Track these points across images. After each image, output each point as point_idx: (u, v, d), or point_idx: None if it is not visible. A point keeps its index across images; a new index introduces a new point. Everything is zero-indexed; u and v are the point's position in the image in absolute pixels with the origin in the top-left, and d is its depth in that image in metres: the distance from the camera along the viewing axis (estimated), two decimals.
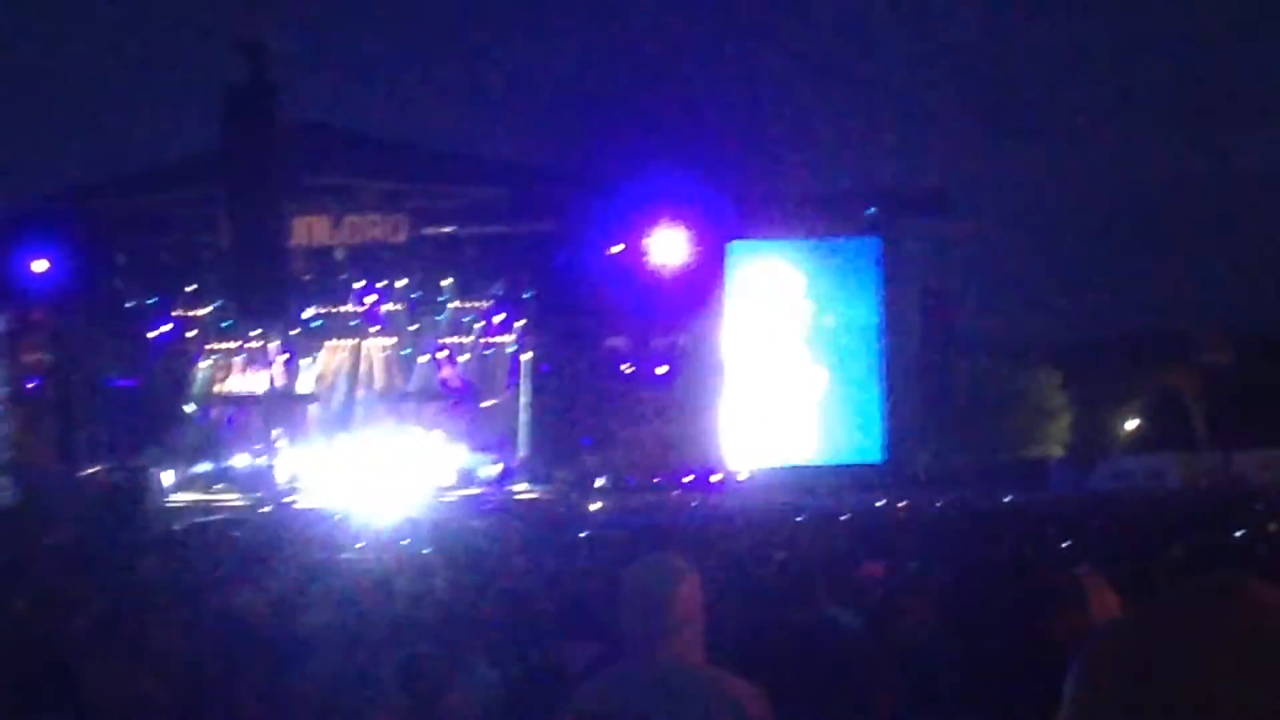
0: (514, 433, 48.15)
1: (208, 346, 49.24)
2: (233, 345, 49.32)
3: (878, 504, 35.57)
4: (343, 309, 48.34)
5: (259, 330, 47.80)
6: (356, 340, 49.20)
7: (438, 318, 48.89)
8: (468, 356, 49.20)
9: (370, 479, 42.75)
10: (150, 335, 48.16)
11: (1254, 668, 2.09)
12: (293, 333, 48.05)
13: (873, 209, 46.75)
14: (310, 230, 44.90)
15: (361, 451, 45.01)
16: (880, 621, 8.83)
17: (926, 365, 48.22)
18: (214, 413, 49.34)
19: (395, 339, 49.27)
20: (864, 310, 46.84)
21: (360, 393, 49.17)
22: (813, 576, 10.54)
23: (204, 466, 45.86)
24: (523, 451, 47.42)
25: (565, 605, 10.14)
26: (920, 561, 13.89)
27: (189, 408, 48.91)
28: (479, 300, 48.24)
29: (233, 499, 42.53)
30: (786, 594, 9.81)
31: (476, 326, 48.82)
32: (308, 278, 45.94)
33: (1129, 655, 2.15)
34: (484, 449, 47.03)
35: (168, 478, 42.96)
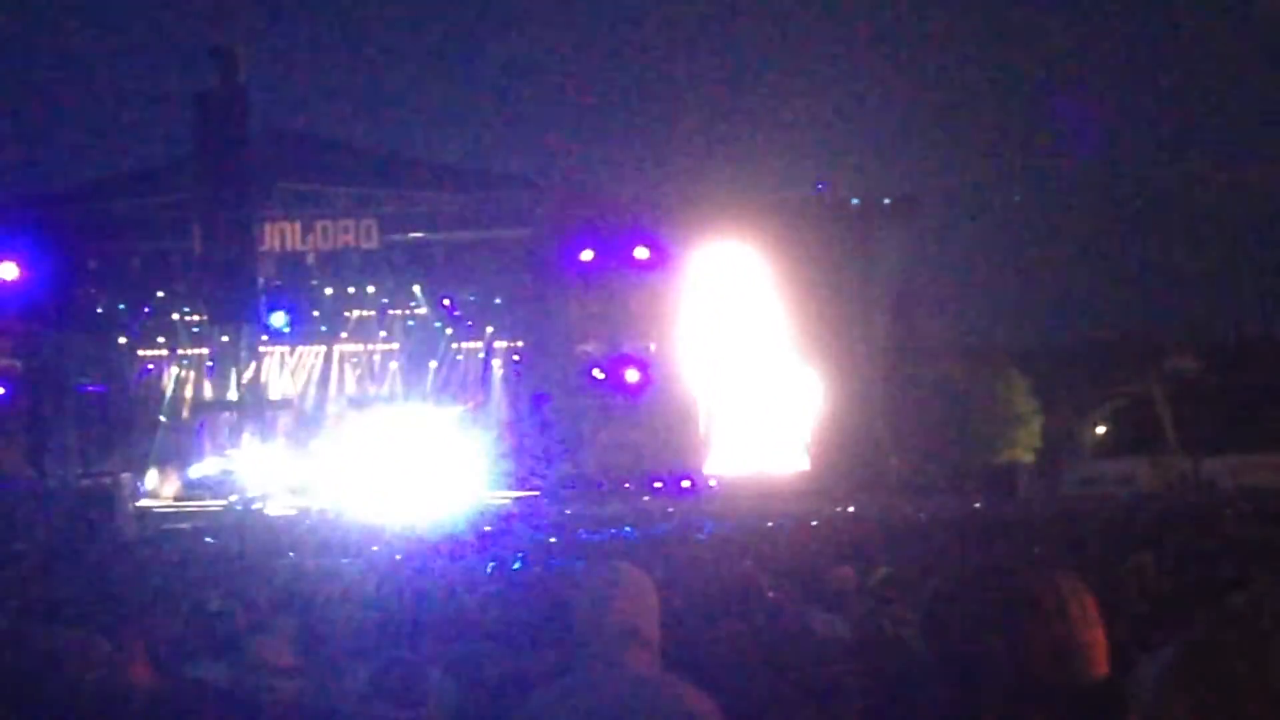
0: (484, 437, 48.12)
1: (179, 352, 49.17)
2: (204, 351, 49.29)
3: (849, 510, 35.62)
4: (314, 314, 48.27)
5: (230, 336, 47.78)
6: (327, 346, 49.16)
7: (408, 323, 48.90)
8: (436, 363, 49.25)
9: (340, 486, 42.72)
10: (121, 341, 48.09)
11: None
12: (264, 338, 48.02)
13: (856, 200, 46.88)
14: (281, 236, 44.87)
15: (332, 458, 44.97)
16: (856, 629, 8.86)
17: (896, 371, 48.29)
18: (185, 418, 49.27)
19: (366, 345, 49.25)
20: (834, 316, 46.85)
21: (331, 398, 49.13)
22: (783, 584, 10.58)
23: (175, 472, 45.77)
24: (493, 456, 47.38)
25: (528, 612, 10.16)
26: (892, 567, 13.93)
27: (160, 414, 48.83)
28: (449, 306, 48.22)
29: (203, 505, 42.45)
30: (754, 602, 9.84)
31: (447, 332, 48.82)
32: (279, 283, 45.89)
33: (1209, 671, 2.18)
34: (454, 454, 46.99)
35: (139, 484, 42.87)
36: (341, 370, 49.64)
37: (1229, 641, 2.22)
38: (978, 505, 37.49)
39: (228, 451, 47.22)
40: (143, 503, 41.88)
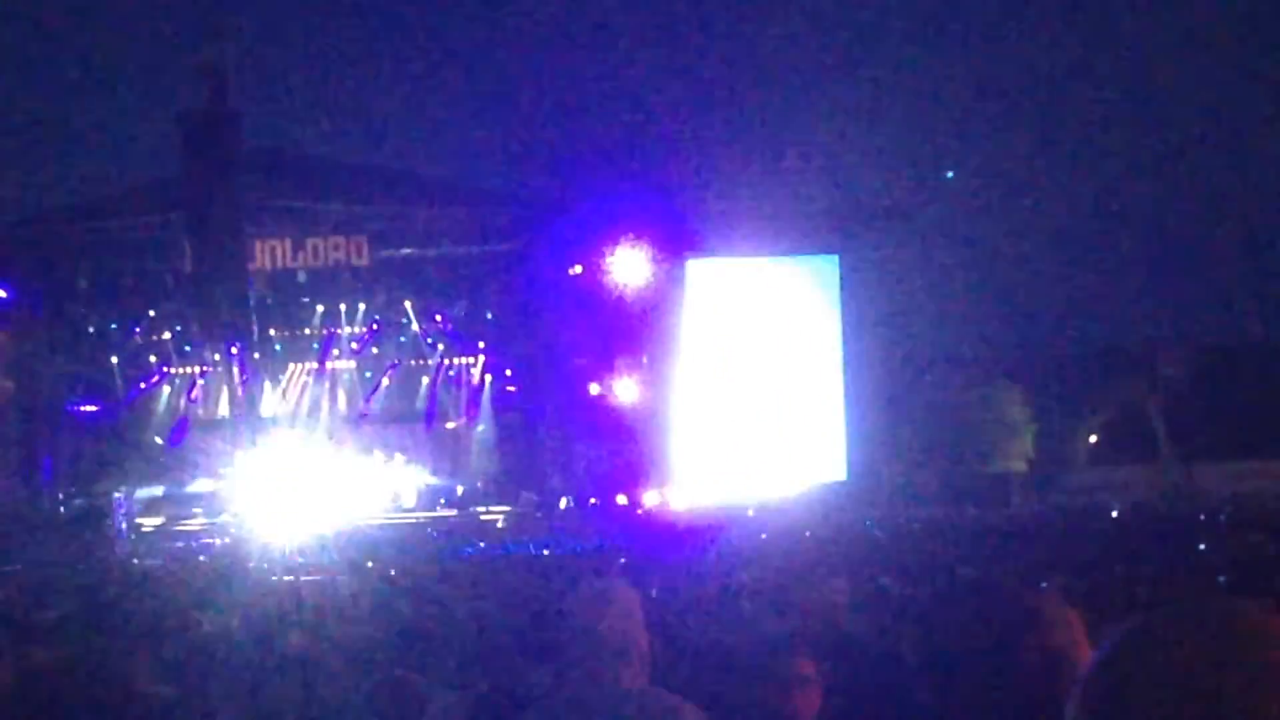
0: (478, 454, 48.12)
1: (170, 371, 49.08)
2: (195, 369, 49.18)
3: (843, 521, 35.62)
4: (305, 332, 48.23)
5: (221, 354, 47.69)
6: (319, 363, 49.07)
7: (400, 340, 48.85)
8: (428, 379, 49.22)
9: (335, 502, 42.68)
10: (112, 360, 48.01)
11: (1248, 682, 2.14)
12: (255, 356, 47.94)
13: (846, 210, 46.91)
14: (272, 253, 44.81)
15: (326, 475, 44.91)
16: (849, 639, 8.86)
17: (888, 381, 48.31)
18: (177, 437, 49.17)
19: (357, 362, 49.18)
20: (825, 327, 46.91)
21: (322, 416, 49.04)
22: (777, 595, 10.58)
23: (168, 491, 45.67)
24: (486, 472, 47.35)
25: (525, 628, 10.17)
26: (887, 578, 13.93)
27: (152, 432, 48.74)
28: (441, 322, 48.17)
29: (197, 524, 42.41)
30: (749, 615, 9.85)
31: (439, 348, 48.75)
32: (269, 301, 45.86)
33: (1132, 678, 2.20)
34: (448, 471, 47.01)
35: (132, 504, 42.77)
36: (333, 388, 49.55)
37: (1145, 651, 2.25)
38: (971, 515, 37.52)
39: (220, 470, 47.15)
40: (136, 523, 41.80)
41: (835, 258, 47.23)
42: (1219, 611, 2.27)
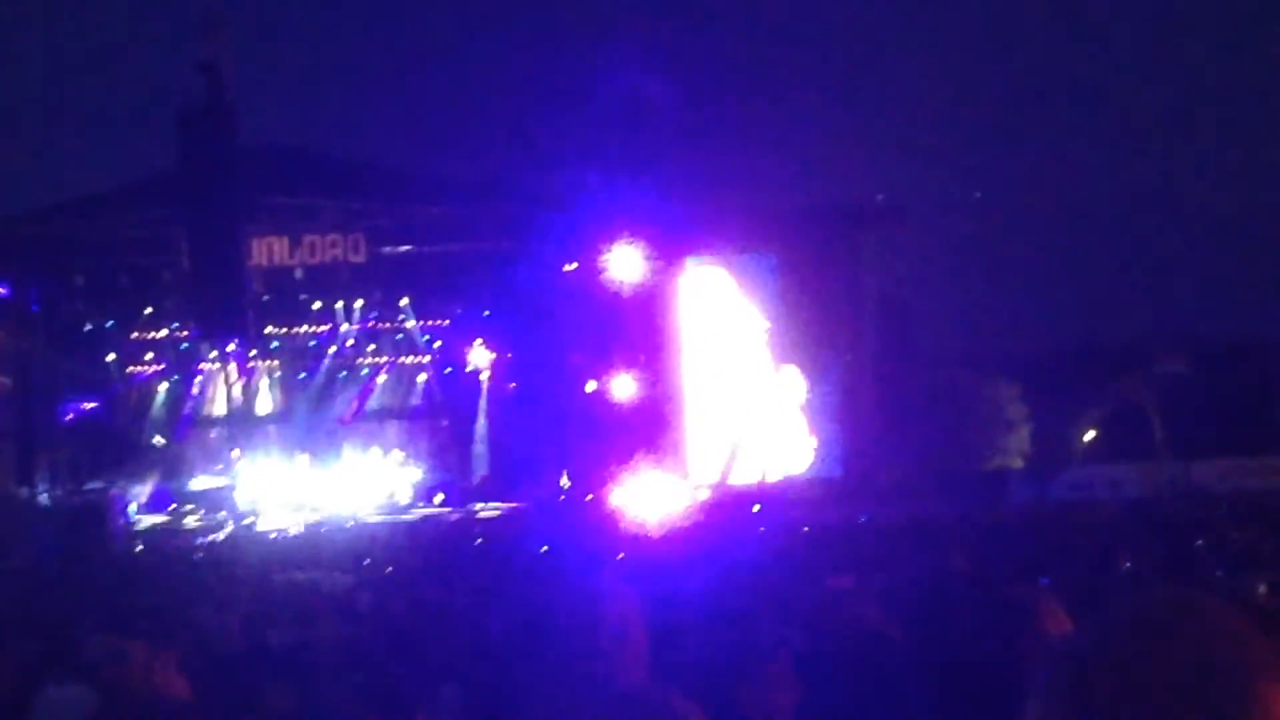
0: (475, 450, 48.12)
1: (167, 368, 49.08)
2: (193, 367, 49.17)
3: (840, 517, 35.58)
4: (302, 329, 48.21)
5: (219, 351, 47.73)
6: (316, 360, 49.08)
7: (397, 337, 48.87)
8: (425, 376, 49.26)
9: (330, 498, 42.74)
10: (110, 358, 48.01)
11: (1205, 677, 2.14)
12: (252, 353, 48.00)
13: (843, 206, 46.99)
14: (269, 250, 44.81)
15: (322, 471, 44.97)
16: (845, 636, 8.84)
17: (885, 378, 48.28)
18: (174, 434, 49.18)
19: (355, 359, 49.18)
20: (822, 323, 46.86)
21: (320, 412, 49.06)
22: (772, 593, 10.58)
23: (165, 488, 45.68)
24: (484, 469, 47.38)
25: (521, 625, 10.16)
26: (885, 575, 13.92)
27: (149, 430, 48.74)
28: (438, 319, 48.19)
29: (194, 520, 42.42)
30: (745, 611, 9.83)
31: (436, 346, 48.76)
32: (267, 298, 45.83)
33: (1087, 675, 2.19)
34: (444, 467, 47.04)
35: (129, 500, 42.77)
36: (330, 385, 49.55)
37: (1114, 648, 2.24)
38: (967, 511, 37.44)
39: (217, 467, 47.18)
40: (133, 519, 41.80)
41: (832, 256, 47.19)
42: (1169, 604, 2.27)
